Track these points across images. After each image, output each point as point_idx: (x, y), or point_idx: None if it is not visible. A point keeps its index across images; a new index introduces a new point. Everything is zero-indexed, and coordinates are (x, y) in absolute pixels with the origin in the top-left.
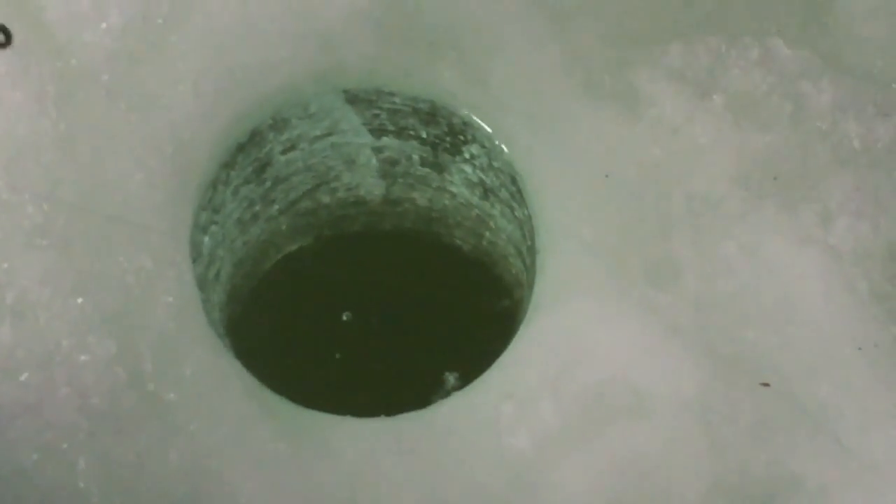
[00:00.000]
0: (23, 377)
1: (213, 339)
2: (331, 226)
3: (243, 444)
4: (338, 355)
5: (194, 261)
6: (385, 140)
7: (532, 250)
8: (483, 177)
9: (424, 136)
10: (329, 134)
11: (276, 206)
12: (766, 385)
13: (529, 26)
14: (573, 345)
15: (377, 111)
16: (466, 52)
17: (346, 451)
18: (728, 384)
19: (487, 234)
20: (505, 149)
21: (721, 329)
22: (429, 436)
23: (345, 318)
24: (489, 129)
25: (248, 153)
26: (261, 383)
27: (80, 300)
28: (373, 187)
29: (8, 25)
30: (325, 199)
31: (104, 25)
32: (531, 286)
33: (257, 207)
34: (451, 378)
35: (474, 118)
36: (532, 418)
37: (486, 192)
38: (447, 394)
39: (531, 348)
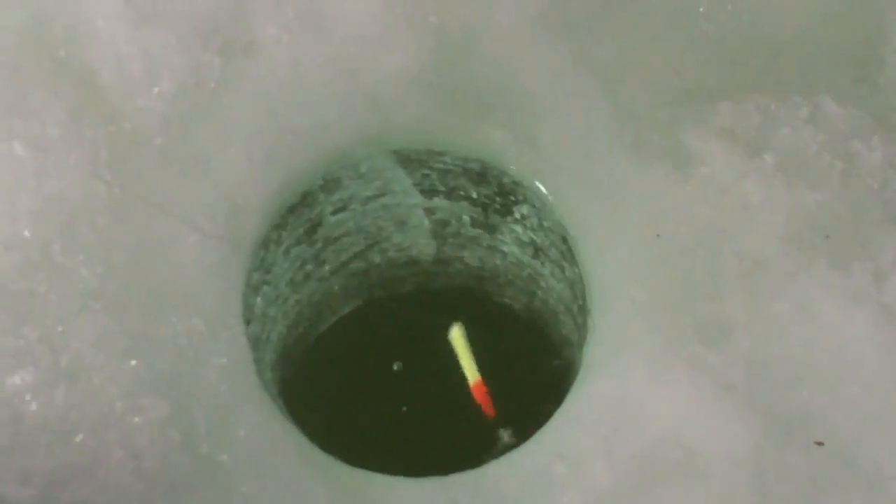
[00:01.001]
0: (77, 439)
1: (266, 401)
2: (382, 286)
3: None
4: (391, 411)
5: (247, 322)
6: (436, 201)
7: (583, 309)
8: (534, 236)
9: (475, 196)
10: (381, 195)
11: (327, 267)
12: (821, 444)
13: (578, 86)
14: (625, 405)
15: (427, 171)
16: (516, 112)
17: None
18: (781, 444)
19: (539, 293)
20: (555, 208)
21: (774, 388)
22: (482, 496)
23: (395, 367)
24: (541, 189)
25: (300, 214)
26: (313, 444)
27: (133, 362)
28: (424, 247)
29: (61, 91)
30: (377, 259)
31: (156, 90)
32: (582, 346)
33: (309, 267)
34: (504, 435)
35: (524, 177)
36: (585, 479)
37: (537, 252)
38: (500, 452)
39: (583, 408)
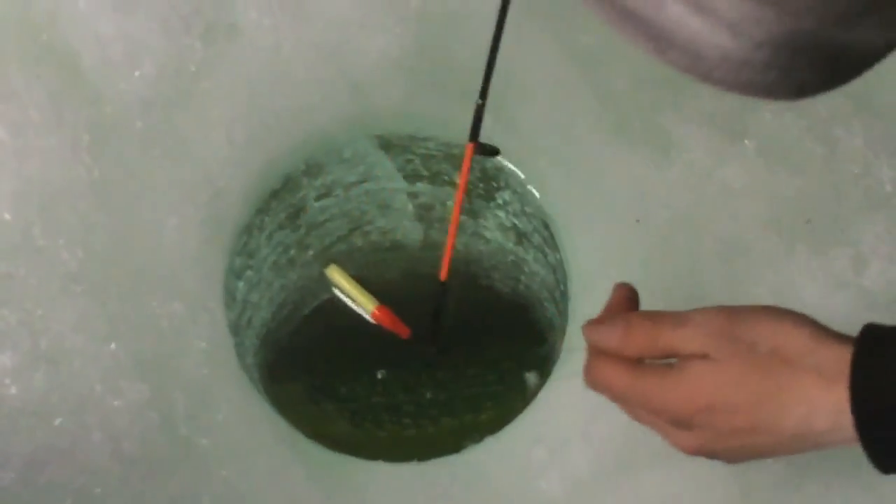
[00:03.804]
0: (56, 422)
1: (247, 385)
2: (368, 271)
3: (276, 489)
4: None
5: (228, 306)
6: (419, 186)
7: (565, 295)
8: (516, 222)
9: (457, 181)
10: (364, 180)
11: (311, 252)
12: None
13: (560, 71)
14: None
15: (411, 157)
16: (498, 98)
17: (379, 496)
18: None
19: (522, 278)
20: (536, 194)
21: None
22: (461, 481)
23: (379, 376)
24: (521, 175)
25: (283, 199)
26: (294, 428)
27: (113, 346)
28: (410, 232)
29: (42, 74)
30: (359, 242)
31: (138, 73)
32: (563, 331)
33: (292, 252)
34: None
35: (506, 163)
36: (564, 463)
37: (520, 237)
38: (480, 438)
39: (562, 393)
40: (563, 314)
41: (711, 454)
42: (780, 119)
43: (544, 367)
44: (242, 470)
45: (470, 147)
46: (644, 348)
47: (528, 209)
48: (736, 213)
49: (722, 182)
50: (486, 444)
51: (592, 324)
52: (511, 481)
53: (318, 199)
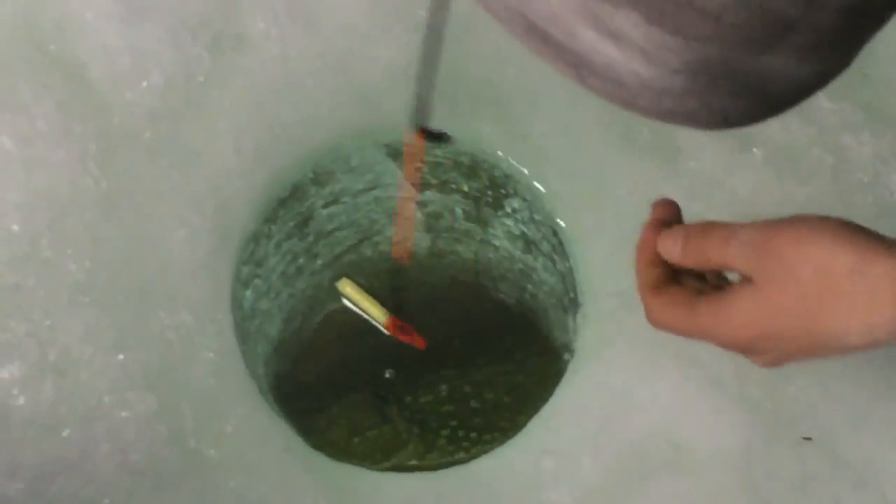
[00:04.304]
0: (64, 433)
1: (255, 395)
2: (377, 278)
3: (284, 500)
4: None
5: (235, 316)
6: (428, 194)
7: (574, 303)
8: (525, 230)
9: (466, 189)
10: (372, 188)
11: (319, 261)
12: (809, 439)
13: (569, 80)
14: (613, 399)
15: (418, 164)
16: (505, 105)
17: None
18: (770, 438)
19: (530, 286)
20: (545, 200)
21: (762, 383)
22: (469, 492)
23: (387, 375)
24: (532, 181)
25: (291, 207)
26: (302, 439)
27: (121, 357)
28: (418, 240)
29: (50, 84)
30: (369, 252)
31: (145, 84)
32: (571, 340)
33: (301, 261)
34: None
35: (513, 163)
36: (573, 474)
37: (528, 245)
38: (489, 448)
39: (571, 403)
40: (572, 322)
41: (784, 364)
42: (788, 128)
43: (553, 375)
44: (251, 481)
45: (417, 135)
46: (698, 262)
47: (537, 217)
48: (745, 221)
49: (731, 190)
50: (494, 455)
51: (661, 237)
52: (520, 492)
53: (325, 206)
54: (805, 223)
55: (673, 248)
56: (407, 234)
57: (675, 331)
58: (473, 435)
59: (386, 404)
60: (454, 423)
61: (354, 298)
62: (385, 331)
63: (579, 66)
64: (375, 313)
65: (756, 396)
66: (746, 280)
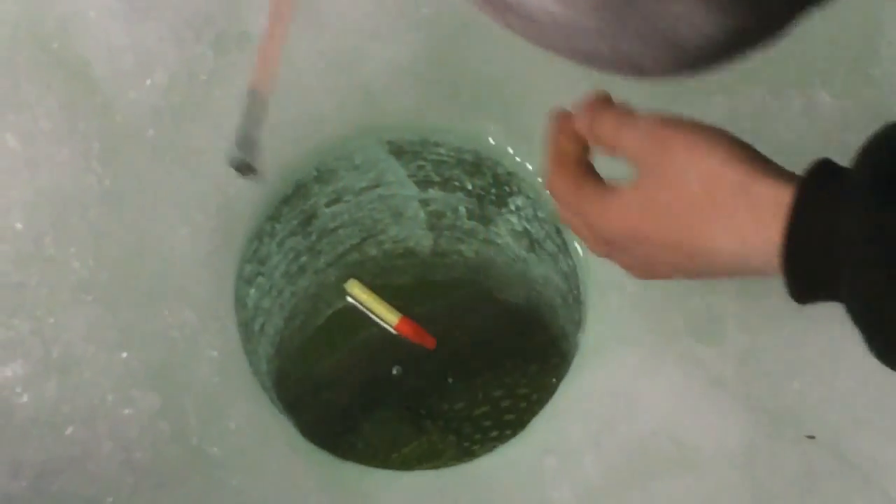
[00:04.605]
0: (68, 431)
1: (258, 393)
2: (380, 277)
3: (287, 498)
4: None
5: (239, 314)
6: (431, 192)
7: (577, 302)
8: (529, 228)
9: (470, 187)
10: (375, 186)
11: (322, 259)
12: (812, 438)
13: (572, 79)
14: (616, 398)
15: (422, 163)
16: (509, 103)
17: None
18: (773, 437)
19: (534, 285)
20: (549, 198)
21: (765, 382)
22: (472, 490)
23: (395, 372)
24: (536, 178)
25: (294, 205)
26: (305, 437)
27: (124, 355)
28: (421, 239)
29: (53, 83)
30: (373, 251)
31: (149, 82)
32: (575, 338)
33: (304, 259)
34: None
35: (518, 159)
36: (575, 472)
37: (532, 244)
38: (492, 447)
39: (574, 401)
40: (576, 321)
41: (642, 274)
42: (793, 127)
43: (556, 374)
44: (254, 479)
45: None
46: (598, 140)
47: (541, 214)
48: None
49: None
50: (497, 454)
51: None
52: (522, 490)
53: (328, 205)
54: (703, 132)
55: (582, 118)
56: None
57: (560, 202)
58: (477, 433)
59: (390, 402)
60: (459, 420)
61: (363, 299)
62: (393, 331)
63: (496, 2)
64: (385, 314)
65: (759, 395)
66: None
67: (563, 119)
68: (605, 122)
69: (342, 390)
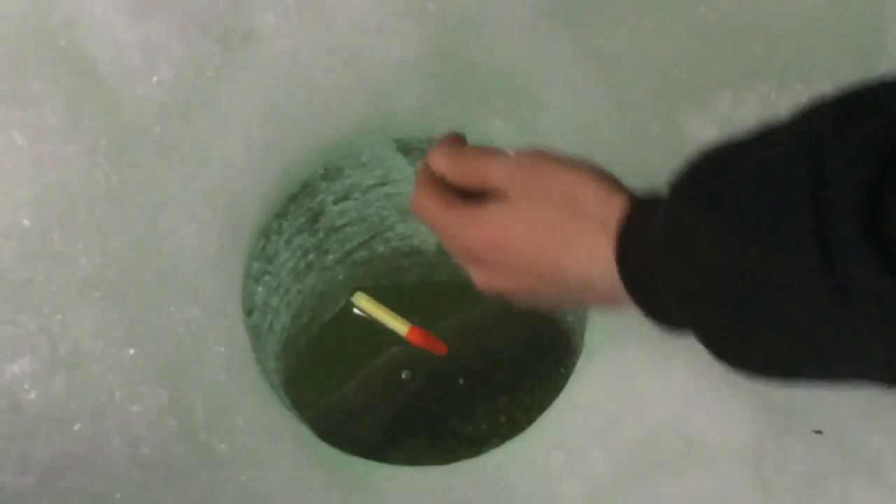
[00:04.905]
0: (76, 428)
1: (266, 390)
2: (387, 276)
3: (295, 493)
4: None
5: (246, 311)
6: None
7: None
8: None
9: None
10: (382, 184)
11: (330, 257)
12: (819, 432)
13: (578, 75)
14: (623, 393)
15: None
16: (515, 100)
17: (398, 500)
18: (780, 431)
19: None
20: None
21: None
22: (480, 485)
23: (404, 376)
24: None
25: (301, 203)
26: (313, 432)
27: (131, 351)
28: (427, 236)
29: (60, 80)
30: (381, 248)
31: (155, 79)
32: (582, 334)
33: (311, 256)
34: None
35: None
36: (583, 467)
37: None
38: (500, 442)
39: (582, 397)
40: (582, 318)
41: (499, 290)
42: None
43: (564, 370)
44: (261, 475)
45: None
46: (464, 176)
47: None
48: None
49: None
50: (505, 449)
51: (433, 150)
52: (530, 485)
53: (336, 202)
54: (569, 157)
55: (440, 160)
56: None
57: (428, 218)
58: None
59: (398, 398)
60: (466, 416)
61: (371, 311)
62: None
63: None
64: (395, 324)
65: (766, 390)
66: (502, 195)
67: (429, 155)
68: (472, 159)
69: (348, 386)
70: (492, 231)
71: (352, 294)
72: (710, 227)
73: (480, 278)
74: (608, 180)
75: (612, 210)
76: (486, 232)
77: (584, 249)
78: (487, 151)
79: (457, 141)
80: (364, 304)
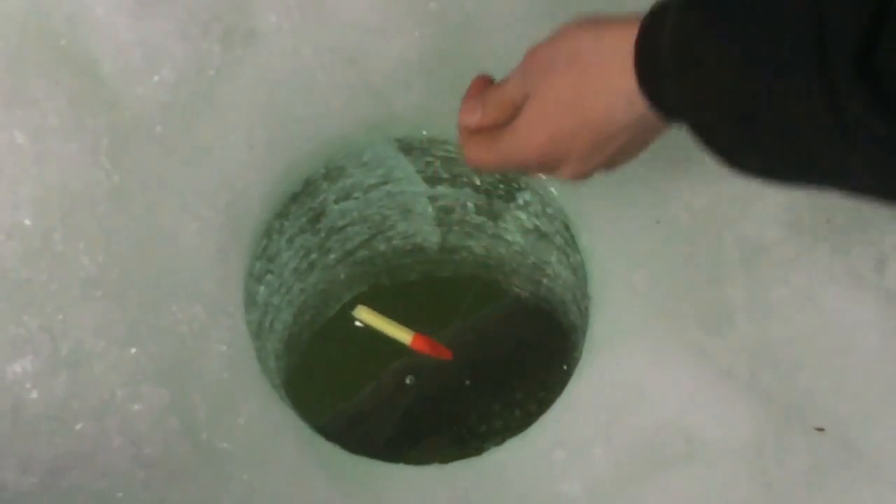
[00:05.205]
0: (77, 427)
1: (268, 389)
2: (388, 274)
3: (297, 492)
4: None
5: (248, 310)
6: (440, 188)
7: (586, 296)
8: (537, 223)
9: (478, 183)
10: (384, 183)
11: (332, 256)
12: (821, 430)
13: None
14: (625, 391)
15: (430, 159)
16: None
17: (400, 499)
18: (782, 429)
19: (545, 280)
20: (556, 193)
21: (775, 374)
22: (482, 483)
23: (408, 381)
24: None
25: (302, 203)
26: (315, 431)
27: (133, 350)
28: (429, 235)
29: (62, 79)
30: (382, 247)
31: (157, 78)
32: (584, 332)
33: (314, 256)
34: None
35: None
36: (585, 465)
37: (541, 239)
38: (501, 441)
39: (583, 395)
40: (585, 315)
41: (588, 172)
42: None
43: (566, 368)
44: (263, 473)
45: None
46: (499, 112)
47: (549, 210)
48: (756, 213)
49: (742, 182)
50: (506, 447)
51: (461, 111)
52: (532, 483)
53: (337, 202)
54: (557, 31)
55: (470, 116)
56: None
57: (486, 163)
58: (486, 426)
59: (399, 398)
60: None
61: (374, 323)
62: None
63: None
64: (399, 333)
65: (768, 387)
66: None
67: (462, 117)
68: (488, 98)
69: (350, 385)
70: (537, 128)
71: (353, 297)
72: (717, 46)
73: (567, 173)
74: (594, 25)
75: (611, 46)
76: (533, 131)
77: (612, 89)
78: (501, 82)
79: (480, 86)
80: (366, 317)
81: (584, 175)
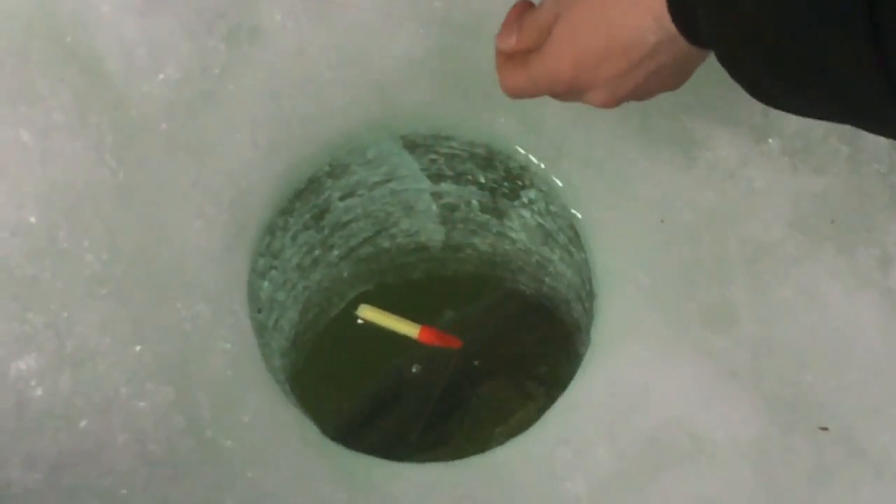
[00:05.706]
0: (82, 424)
1: (272, 386)
2: (392, 272)
3: (301, 490)
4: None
5: (253, 308)
6: (444, 186)
7: (590, 295)
8: (542, 221)
9: (483, 180)
10: (388, 180)
11: (335, 252)
12: (825, 429)
13: None
14: (629, 390)
15: (434, 156)
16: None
17: (404, 497)
18: (786, 428)
19: (548, 279)
20: (561, 192)
21: (779, 373)
22: (486, 482)
23: (414, 370)
24: (548, 173)
25: (307, 200)
26: (319, 429)
27: (138, 348)
28: (433, 233)
29: (67, 77)
30: (386, 244)
31: (162, 76)
32: (588, 331)
33: (317, 253)
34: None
35: (532, 158)
36: (588, 463)
37: (546, 237)
38: (505, 439)
39: (587, 393)
40: (589, 314)
41: (620, 97)
42: (804, 118)
43: (569, 367)
44: (268, 471)
45: None
46: (535, 35)
47: (553, 208)
48: (760, 212)
49: (746, 182)
50: (510, 445)
51: (498, 35)
52: (536, 482)
53: (341, 199)
54: None
55: (506, 40)
56: None
57: (518, 88)
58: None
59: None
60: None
61: (379, 321)
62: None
63: None
64: (405, 328)
65: (772, 386)
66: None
67: (499, 41)
68: (525, 22)
69: (354, 382)
70: (565, 49)
71: (357, 295)
72: None
73: (596, 99)
74: None
75: None
76: (561, 53)
77: (639, 7)
78: (536, 7)
79: (520, 10)
80: (370, 316)
81: (613, 103)
